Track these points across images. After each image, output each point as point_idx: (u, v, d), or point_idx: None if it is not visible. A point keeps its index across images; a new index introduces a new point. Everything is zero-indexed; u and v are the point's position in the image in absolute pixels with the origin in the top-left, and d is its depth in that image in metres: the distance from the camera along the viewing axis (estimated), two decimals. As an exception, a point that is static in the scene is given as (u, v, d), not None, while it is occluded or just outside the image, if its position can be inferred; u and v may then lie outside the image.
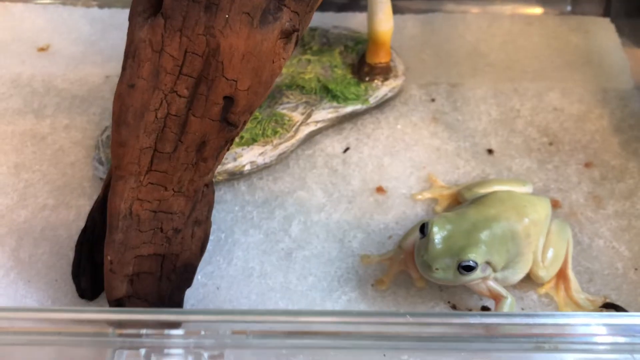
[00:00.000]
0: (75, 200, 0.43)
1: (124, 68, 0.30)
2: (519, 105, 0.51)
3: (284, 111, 0.46)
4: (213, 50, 0.30)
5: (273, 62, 0.31)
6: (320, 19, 0.55)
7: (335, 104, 0.47)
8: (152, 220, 0.35)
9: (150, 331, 0.25)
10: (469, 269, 0.34)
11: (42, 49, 0.54)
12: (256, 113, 0.46)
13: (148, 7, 0.29)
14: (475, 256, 0.34)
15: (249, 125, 0.45)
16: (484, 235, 0.36)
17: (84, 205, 0.43)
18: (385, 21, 0.47)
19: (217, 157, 0.34)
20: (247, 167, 0.44)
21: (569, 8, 0.59)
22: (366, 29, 0.49)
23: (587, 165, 0.47)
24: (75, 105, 0.49)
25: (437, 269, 0.34)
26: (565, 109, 0.50)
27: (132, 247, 0.34)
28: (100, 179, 0.44)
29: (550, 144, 0.48)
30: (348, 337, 0.25)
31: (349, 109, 0.48)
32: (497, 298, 0.36)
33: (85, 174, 0.45)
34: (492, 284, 0.37)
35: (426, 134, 0.49)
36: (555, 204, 0.44)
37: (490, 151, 0.48)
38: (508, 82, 0.52)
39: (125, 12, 0.54)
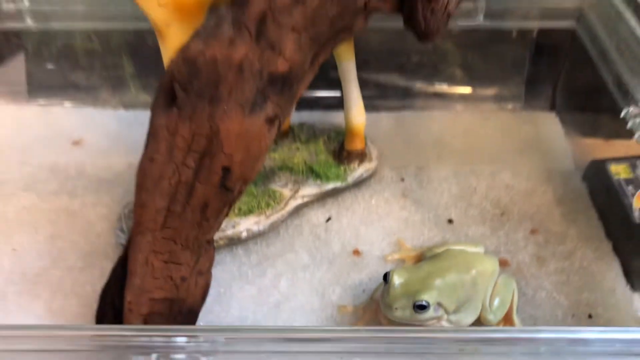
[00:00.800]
0: (100, 263, 0.52)
1: (146, 146, 0.40)
2: (476, 183, 0.60)
3: (276, 188, 0.56)
4: (214, 132, 0.39)
5: (260, 141, 0.40)
6: (309, 116, 0.66)
7: (319, 182, 0.57)
8: (163, 269, 0.43)
9: (159, 340, 0.33)
10: (423, 307, 0.41)
11: (76, 143, 0.64)
12: (252, 189, 0.55)
13: (166, 101, 0.39)
14: (428, 297, 0.41)
15: (246, 199, 0.54)
16: (437, 282, 0.43)
17: (107, 267, 0.51)
18: (358, 115, 0.57)
19: (217, 217, 0.43)
20: (244, 234, 0.53)
21: (520, 105, 0.69)
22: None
23: (533, 231, 0.55)
24: (102, 187, 0.59)
25: (396, 308, 0.41)
26: (515, 186, 0.59)
27: (147, 290, 0.42)
28: (121, 244, 0.52)
29: (502, 214, 0.57)
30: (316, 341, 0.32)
31: (331, 186, 0.57)
32: None
33: (109, 241, 0.54)
34: (445, 324, 0.44)
35: (396, 208, 0.57)
36: (504, 263, 0.52)
37: (450, 221, 0.56)
38: (467, 165, 0.62)
39: (146, 113, 0.66)
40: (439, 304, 0.42)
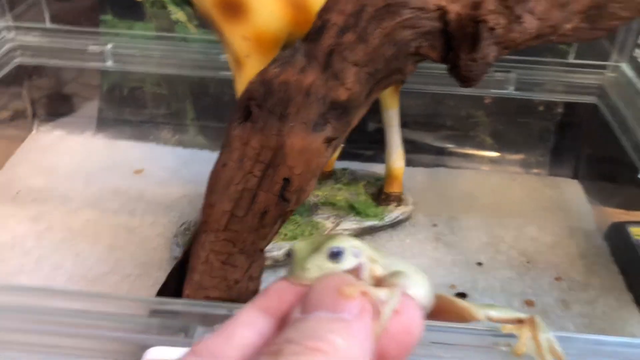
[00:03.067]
0: (154, 272, 0.56)
1: (220, 153, 0.46)
2: (503, 233, 0.64)
3: (319, 220, 0.61)
4: (280, 146, 0.45)
5: (318, 157, 0.46)
6: (350, 165, 0.72)
7: (358, 218, 0.62)
8: (220, 270, 0.47)
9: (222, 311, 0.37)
10: (338, 254, 0.31)
11: (137, 172, 0.71)
12: (297, 219, 0.60)
13: (241, 115, 0.45)
14: (339, 242, 0.31)
15: (291, 227, 0.59)
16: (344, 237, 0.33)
17: (161, 277, 0.55)
18: (398, 160, 0.63)
19: (273, 226, 0.48)
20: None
21: (545, 171, 0.75)
22: (384, 173, 0.65)
23: (557, 279, 0.59)
24: (160, 210, 0.64)
25: (308, 268, 0.30)
26: (540, 239, 0.64)
27: (204, 288, 0.47)
28: (176, 258, 0.57)
29: (528, 262, 0.61)
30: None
31: (369, 223, 0.62)
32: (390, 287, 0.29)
33: (164, 255, 0.59)
34: (379, 271, 0.32)
35: (429, 248, 0.62)
36: (530, 303, 0.55)
37: (479, 264, 0.60)
38: (495, 218, 0.66)
39: (202, 153, 0.73)
40: (357, 248, 0.32)
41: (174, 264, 0.54)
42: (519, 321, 0.37)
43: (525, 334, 0.36)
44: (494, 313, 0.37)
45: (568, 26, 0.48)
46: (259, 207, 0.47)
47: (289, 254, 0.32)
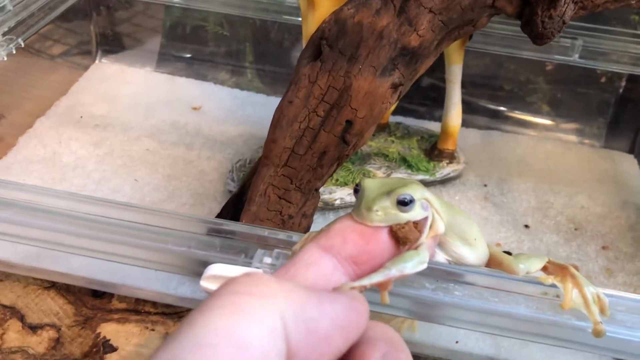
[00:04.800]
0: (208, 203, 0.58)
1: (287, 90, 0.47)
2: (553, 199, 0.64)
3: (370, 169, 0.62)
4: (346, 87, 0.46)
5: (382, 102, 0.46)
6: (404, 120, 0.72)
7: (409, 171, 0.62)
8: (276, 204, 0.49)
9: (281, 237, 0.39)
10: (407, 202, 0.30)
11: (195, 108, 0.72)
12: (350, 166, 0.61)
13: (312, 53, 0.46)
14: (411, 191, 0.31)
15: (343, 173, 0.60)
16: (416, 185, 0.32)
17: (215, 207, 0.58)
18: (456, 117, 0.63)
19: (330, 167, 0.49)
20: (337, 202, 0.58)
21: (600, 143, 0.74)
22: (437, 130, 0.65)
23: (604, 247, 0.59)
24: (216, 146, 0.66)
25: (377, 210, 0.30)
26: (591, 208, 0.63)
27: (260, 219, 0.48)
28: (230, 191, 0.59)
29: (576, 229, 0.61)
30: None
31: (420, 177, 0.62)
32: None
33: (218, 188, 0.60)
34: (428, 243, 0.32)
35: (477, 207, 0.62)
36: (574, 268, 0.56)
37: (526, 226, 0.60)
38: (546, 184, 0.66)
39: (257, 96, 0.74)
40: (427, 201, 0.32)
41: (228, 197, 0.56)
42: (558, 267, 0.37)
43: (569, 288, 0.36)
44: (532, 267, 0.37)
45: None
46: (319, 146, 0.48)
47: (357, 190, 0.32)
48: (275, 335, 0.21)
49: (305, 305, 0.22)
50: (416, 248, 0.31)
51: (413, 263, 0.30)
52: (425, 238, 0.31)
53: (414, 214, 0.31)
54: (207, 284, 0.37)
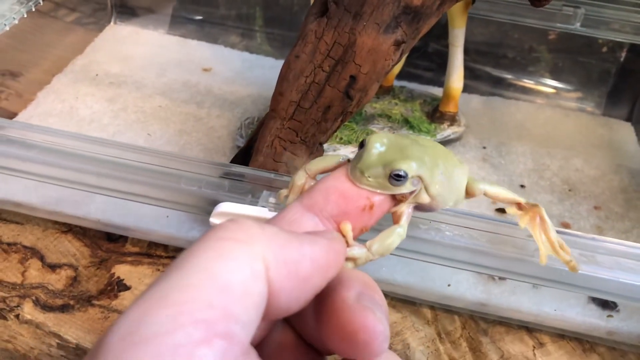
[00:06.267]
0: (218, 158, 0.61)
1: (295, 45, 0.49)
2: (549, 162, 0.66)
3: (373, 129, 0.64)
4: (351, 44, 0.48)
5: (385, 59, 0.49)
6: (408, 85, 0.74)
7: (411, 132, 0.65)
8: (282, 155, 0.51)
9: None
10: (399, 178, 0.31)
11: (205, 70, 0.75)
12: (353, 126, 0.64)
13: (319, 10, 0.48)
14: (406, 167, 0.31)
15: (347, 132, 0.63)
16: (417, 153, 0.33)
17: (225, 161, 0.60)
18: (457, 81, 0.65)
19: (334, 122, 0.51)
20: (341, 159, 0.61)
21: (599, 111, 0.76)
22: (440, 94, 0.68)
23: (596, 207, 0.61)
24: (226, 105, 0.69)
25: (369, 176, 0.31)
26: (585, 171, 0.66)
27: (266, 169, 0.51)
28: (239, 147, 0.61)
29: (570, 190, 0.63)
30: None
31: (421, 138, 0.65)
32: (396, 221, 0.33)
33: (227, 144, 0.63)
34: (408, 212, 0.33)
35: (476, 167, 0.64)
36: (566, 226, 0.58)
37: (522, 186, 0.63)
38: (543, 148, 0.68)
39: (266, 59, 0.77)
40: (420, 177, 0.33)
41: (237, 151, 0.59)
42: (519, 205, 0.38)
43: (539, 239, 0.37)
44: (490, 189, 0.37)
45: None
46: (324, 101, 0.50)
47: (362, 144, 0.32)
48: (256, 276, 0.22)
49: (286, 248, 0.24)
50: (398, 217, 0.32)
51: (393, 242, 0.32)
52: (406, 206, 0.33)
53: (402, 188, 0.32)
54: (216, 219, 0.40)
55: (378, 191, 0.31)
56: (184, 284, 0.21)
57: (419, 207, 0.34)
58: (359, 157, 0.32)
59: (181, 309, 0.20)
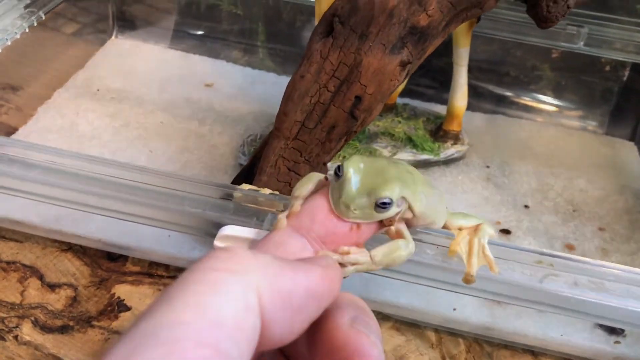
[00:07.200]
0: (220, 175, 0.60)
1: (300, 65, 0.48)
2: (553, 182, 0.66)
3: (377, 147, 0.64)
4: (357, 64, 0.48)
5: (391, 80, 0.48)
6: (412, 102, 0.74)
7: (414, 151, 0.64)
8: (286, 175, 0.51)
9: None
10: (386, 205, 0.31)
11: (207, 85, 0.74)
12: (357, 144, 0.63)
13: (324, 30, 0.48)
14: (389, 193, 0.31)
15: (350, 151, 0.62)
16: (396, 173, 0.33)
17: (226, 179, 0.60)
18: (461, 99, 0.64)
19: (338, 142, 0.51)
20: (345, 178, 0.61)
21: (602, 130, 0.76)
22: (444, 112, 0.67)
23: (601, 229, 0.61)
24: (227, 122, 0.68)
25: (355, 209, 0.31)
26: (589, 191, 0.65)
27: (270, 189, 0.50)
28: (241, 165, 0.61)
29: (574, 210, 0.62)
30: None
31: (424, 157, 0.64)
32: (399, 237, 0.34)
33: (229, 162, 0.63)
34: (403, 227, 0.34)
35: (479, 187, 0.64)
36: (570, 247, 0.58)
37: (526, 206, 0.62)
38: (547, 168, 0.68)
39: (269, 75, 0.76)
40: (403, 198, 0.33)
41: (239, 170, 0.58)
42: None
43: (462, 234, 0.38)
44: (462, 223, 0.39)
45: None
46: (329, 121, 0.50)
47: (337, 174, 0.32)
48: (249, 309, 0.22)
49: (280, 278, 0.23)
50: (399, 235, 0.33)
51: (400, 256, 0.32)
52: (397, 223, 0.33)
53: (389, 213, 0.32)
54: (220, 243, 0.39)
55: (366, 222, 0.31)
56: (175, 321, 0.20)
57: (406, 223, 0.34)
58: (339, 188, 0.31)
59: (171, 348, 0.19)
